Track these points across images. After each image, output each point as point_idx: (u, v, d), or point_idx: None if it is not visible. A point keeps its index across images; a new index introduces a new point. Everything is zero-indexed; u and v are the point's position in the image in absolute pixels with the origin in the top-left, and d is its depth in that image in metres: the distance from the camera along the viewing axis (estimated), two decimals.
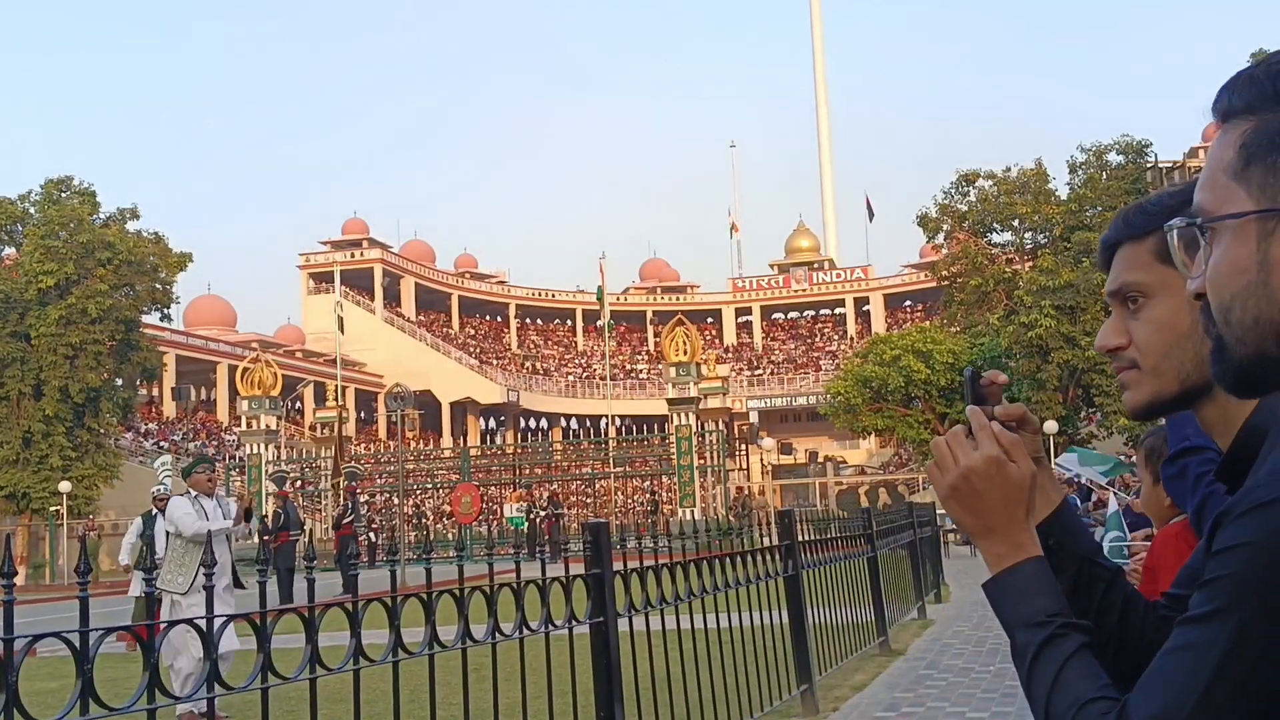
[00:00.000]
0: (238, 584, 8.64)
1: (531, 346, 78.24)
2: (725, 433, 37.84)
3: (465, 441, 60.39)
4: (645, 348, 76.61)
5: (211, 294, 67.55)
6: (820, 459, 57.07)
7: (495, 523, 34.67)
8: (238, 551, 9.37)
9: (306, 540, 23.40)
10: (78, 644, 2.27)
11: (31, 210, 37.83)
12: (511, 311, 78.32)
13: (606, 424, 47.35)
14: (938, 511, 16.76)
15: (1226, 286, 0.94)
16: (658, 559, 5.00)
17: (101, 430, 38.43)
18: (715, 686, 5.36)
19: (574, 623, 4.02)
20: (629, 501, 39.24)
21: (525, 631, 3.67)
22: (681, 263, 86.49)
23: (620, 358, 73.14)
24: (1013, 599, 1.14)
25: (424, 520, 37.83)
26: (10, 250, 38.86)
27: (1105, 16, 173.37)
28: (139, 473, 40.25)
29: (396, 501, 32.56)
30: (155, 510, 12.33)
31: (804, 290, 77.00)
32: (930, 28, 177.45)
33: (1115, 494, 9.71)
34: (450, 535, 35.57)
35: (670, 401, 36.49)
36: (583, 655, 4.16)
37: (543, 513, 31.65)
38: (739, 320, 78.89)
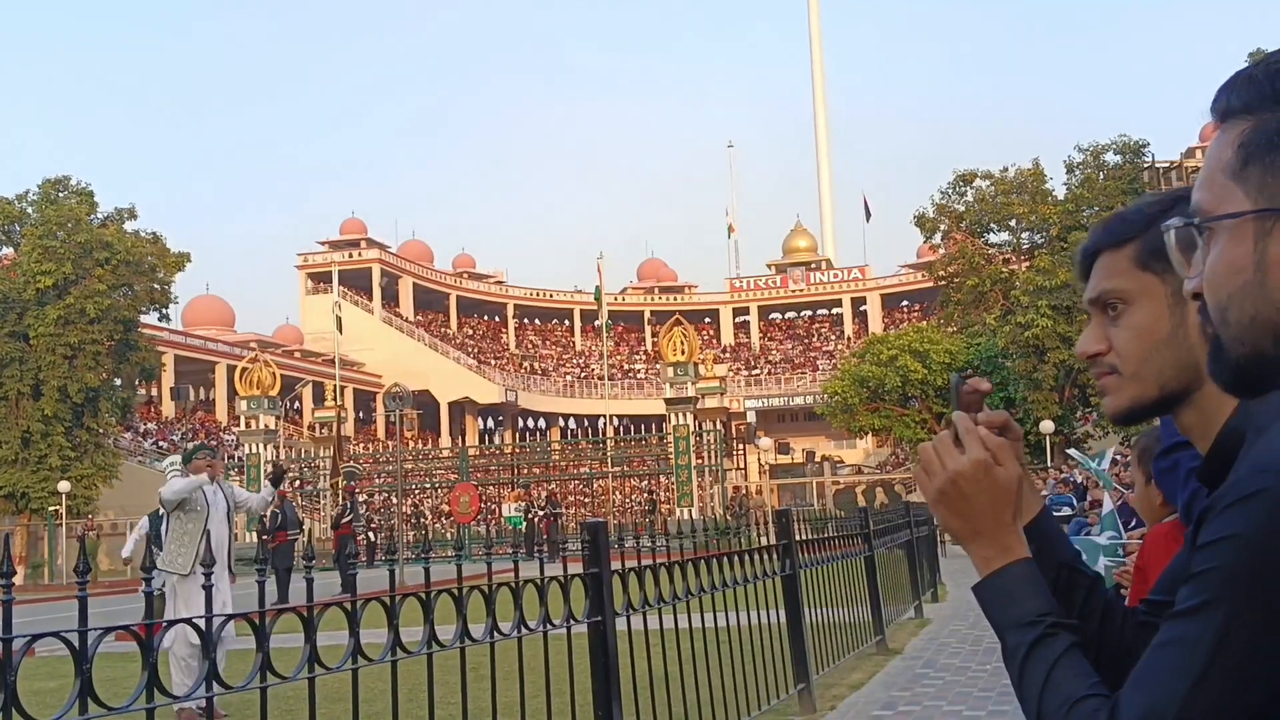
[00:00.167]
0: (232, 572, 8.74)
1: (529, 346, 78.24)
2: (723, 432, 37.83)
3: (463, 441, 60.40)
4: (643, 348, 76.62)
5: (210, 294, 67.57)
6: (817, 459, 57.10)
7: (493, 522, 34.66)
8: (236, 551, 9.36)
9: (305, 540, 23.39)
10: (76, 644, 2.27)
11: (29, 210, 37.82)
12: (509, 311, 78.31)
13: (604, 424, 47.36)
14: None
15: (1224, 286, 0.94)
16: (655, 558, 5.01)
17: (100, 430, 38.41)
18: (713, 685, 5.37)
19: (572, 622, 4.02)
20: (627, 501, 39.25)
21: (523, 631, 3.67)
22: (679, 263, 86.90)
23: (618, 357, 73.16)
24: (1002, 601, 1.15)
25: (422, 520, 37.84)
26: (8, 250, 38.85)
27: (1103, 16, 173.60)
28: (138, 473, 40.26)
29: (395, 501, 32.55)
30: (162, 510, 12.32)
31: (801, 290, 77.04)
32: (928, 27, 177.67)
33: (1110, 491, 9.67)
34: (449, 535, 35.58)
35: (668, 401, 36.48)
36: (581, 654, 4.16)
37: (541, 512, 31.65)
38: (736, 320, 78.92)
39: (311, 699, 2.85)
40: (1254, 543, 0.88)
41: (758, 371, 73.77)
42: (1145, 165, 35.27)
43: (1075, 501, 18.67)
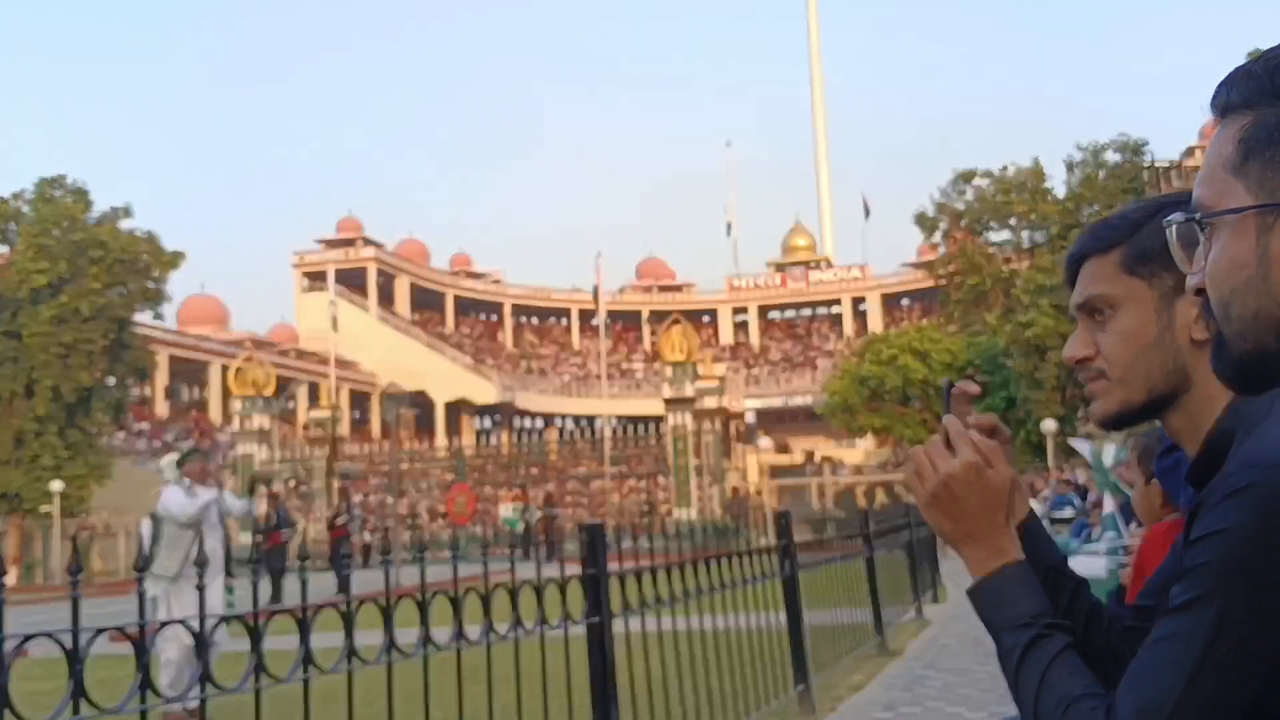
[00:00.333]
0: (229, 573, 8.73)
1: (527, 346, 78.19)
2: (722, 432, 37.88)
3: (460, 441, 60.32)
4: (641, 347, 76.59)
5: (204, 293, 67.52)
6: (817, 459, 57.08)
7: (490, 523, 34.67)
8: (234, 552, 9.37)
9: (300, 540, 23.37)
10: (69, 644, 2.26)
11: (24, 209, 37.79)
12: (507, 310, 78.25)
13: (602, 424, 47.35)
14: None
15: (1226, 282, 0.95)
16: (654, 559, 4.99)
17: (94, 430, 38.38)
18: (712, 687, 5.36)
19: (569, 623, 4.01)
20: (625, 501, 39.25)
21: (520, 632, 3.66)
22: (678, 262, 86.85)
23: (616, 357, 73.15)
24: (997, 603, 1.16)
25: (418, 520, 37.85)
26: (3, 249, 38.80)
27: (1102, 15, 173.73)
28: (131, 472, 40.20)
29: (391, 501, 32.55)
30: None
31: (801, 289, 77.03)
32: (927, 26, 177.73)
33: (1114, 496, 9.64)
34: (445, 536, 35.58)
35: (667, 401, 36.52)
36: (578, 656, 4.15)
37: (538, 513, 31.67)
38: (735, 319, 78.90)
39: (306, 701, 2.84)
40: (1245, 536, 0.88)
41: (757, 371, 73.75)
42: (1145, 164, 35.32)
43: (1077, 501, 18.60)
